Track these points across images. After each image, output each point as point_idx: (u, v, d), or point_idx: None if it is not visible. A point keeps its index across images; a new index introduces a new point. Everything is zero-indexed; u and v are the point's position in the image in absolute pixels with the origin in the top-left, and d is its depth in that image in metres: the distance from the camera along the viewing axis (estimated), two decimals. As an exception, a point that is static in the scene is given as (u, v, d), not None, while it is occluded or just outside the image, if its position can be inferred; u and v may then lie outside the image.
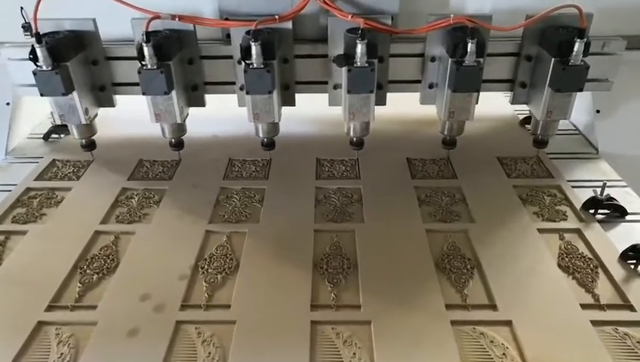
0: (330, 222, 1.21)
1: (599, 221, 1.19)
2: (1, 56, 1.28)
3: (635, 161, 1.43)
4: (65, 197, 1.31)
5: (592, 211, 1.22)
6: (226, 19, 1.28)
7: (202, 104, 1.38)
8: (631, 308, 0.97)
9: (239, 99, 1.34)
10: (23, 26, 1.19)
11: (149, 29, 1.14)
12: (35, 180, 1.39)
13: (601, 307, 0.97)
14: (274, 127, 1.34)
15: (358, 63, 1.16)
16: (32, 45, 1.14)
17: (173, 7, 1.21)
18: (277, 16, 1.21)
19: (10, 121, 1.53)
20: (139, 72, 1.18)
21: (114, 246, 1.15)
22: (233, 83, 1.33)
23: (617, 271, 1.05)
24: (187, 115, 1.36)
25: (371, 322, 0.94)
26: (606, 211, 1.21)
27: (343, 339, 0.91)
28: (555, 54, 1.18)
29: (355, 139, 1.37)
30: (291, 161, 1.45)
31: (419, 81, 1.34)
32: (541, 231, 1.17)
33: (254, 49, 1.14)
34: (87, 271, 1.08)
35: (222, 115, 1.50)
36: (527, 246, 1.13)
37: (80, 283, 1.05)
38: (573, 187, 1.32)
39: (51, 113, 1.51)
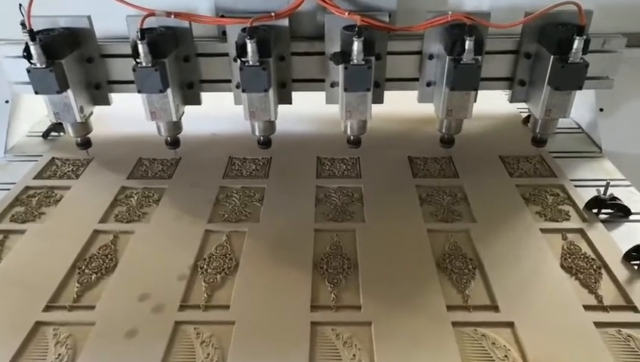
0: (331, 222, 1.20)
1: (602, 221, 1.18)
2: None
3: (639, 159, 1.42)
4: (64, 196, 1.30)
5: (595, 211, 1.21)
6: (222, 16, 1.27)
7: (198, 102, 1.37)
8: (634, 310, 0.96)
9: (235, 97, 1.33)
10: (22, 23, 1.18)
11: (144, 26, 1.13)
12: (34, 179, 1.38)
13: (605, 308, 0.96)
14: (270, 125, 1.33)
15: (355, 61, 1.15)
16: (26, 42, 1.13)
17: (169, 4, 1.20)
18: (273, 14, 1.20)
19: (10, 119, 1.52)
20: (134, 70, 1.17)
21: (113, 245, 1.14)
22: (229, 81, 1.32)
23: (621, 272, 1.04)
24: (183, 112, 1.35)
25: (372, 323, 0.93)
26: (609, 211, 1.20)
27: (343, 340, 0.91)
28: (554, 52, 1.17)
29: (352, 137, 1.36)
30: (292, 159, 1.44)
31: (417, 79, 1.33)
32: (544, 231, 1.16)
33: (250, 47, 1.13)
34: (86, 270, 1.07)
35: (221, 113, 1.49)
36: (529, 246, 1.12)
37: (78, 283, 1.04)
38: (576, 186, 1.31)
39: (49, 111, 1.51)
